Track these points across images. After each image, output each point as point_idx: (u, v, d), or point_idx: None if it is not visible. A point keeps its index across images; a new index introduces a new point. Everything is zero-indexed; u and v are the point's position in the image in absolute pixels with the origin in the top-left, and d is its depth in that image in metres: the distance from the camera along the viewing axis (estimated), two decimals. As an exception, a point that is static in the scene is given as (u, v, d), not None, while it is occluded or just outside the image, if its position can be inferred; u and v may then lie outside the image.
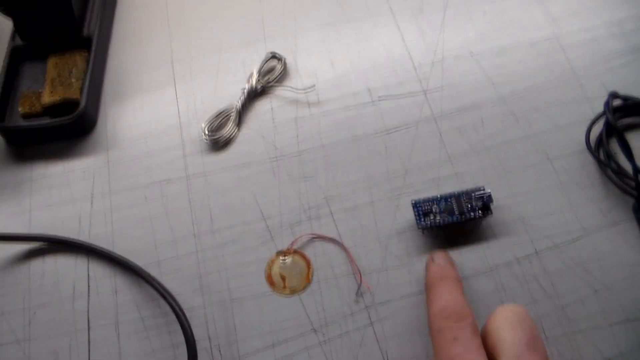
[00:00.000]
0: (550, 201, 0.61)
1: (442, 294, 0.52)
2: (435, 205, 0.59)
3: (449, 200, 0.59)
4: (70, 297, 0.61)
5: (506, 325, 0.46)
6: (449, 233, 0.60)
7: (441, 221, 0.58)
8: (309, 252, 0.61)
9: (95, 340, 0.58)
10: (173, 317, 0.57)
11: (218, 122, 0.68)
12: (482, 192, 0.59)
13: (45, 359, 0.58)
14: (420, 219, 0.59)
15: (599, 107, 0.64)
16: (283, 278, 0.59)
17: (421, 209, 0.59)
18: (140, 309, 0.60)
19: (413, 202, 0.59)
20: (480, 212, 0.58)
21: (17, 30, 0.74)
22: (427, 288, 0.55)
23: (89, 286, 0.61)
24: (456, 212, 0.58)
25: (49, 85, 0.70)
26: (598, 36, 0.71)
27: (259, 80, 0.70)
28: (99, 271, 0.62)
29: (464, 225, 0.60)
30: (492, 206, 0.59)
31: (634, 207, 0.59)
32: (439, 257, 0.56)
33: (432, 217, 0.59)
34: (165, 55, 0.76)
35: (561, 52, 0.70)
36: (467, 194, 0.59)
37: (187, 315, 0.57)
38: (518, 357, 0.44)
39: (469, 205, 0.59)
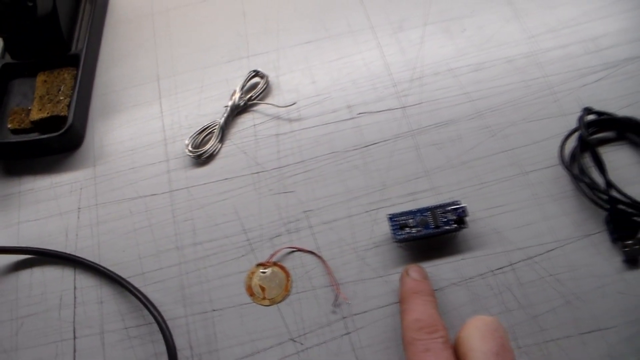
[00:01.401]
0: (524, 214, 0.62)
1: (415, 307, 0.54)
2: (411, 219, 0.60)
3: (424, 213, 0.60)
4: (57, 307, 0.62)
5: (477, 335, 0.48)
6: (425, 246, 0.61)
7: (417, 234, 0.59)
8: (288, 264, 0.62)
9: (80, 349, 0.60)
10: (156, 327, 0.58)
11: (201, 138, 0.69)
12: (456, 205, 0.60)
13: (31, 368, 0.59)
14: (396, 232, 0.60)
15: (574, 122, 0.65)
16: (263, 289, 0.61)
17: (397, 222, 0.60)
18: (124, 319, 0.61)
19: (389, 215, 0.61)
20: (455, 225, 0.59)
21: (7, 48, 0.75)
22: (401, 301, 0.56)
23: (75, 297, 0.62)
24: (431, 226, 0.60)
25: (37, 101, 0.71)
26: (574, 53, 0.72)
27: (241, 97, 0.71)
28: (85, 282, 0.63)
29: (440, 238, 0.61)
30: (467, 219, 0.60)
31: (606, 219, 0.60)
32: (414, 271, 0.58)
33: (407, 230, 0.60)
34: (151, 71, 0.77)
35: (538, 68, 0.71)
36: (442, 208, 0.60)
37: (170, 325, 0.59)
38: None
39: (444, 219, 0.60)
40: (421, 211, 0.60)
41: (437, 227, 0.59)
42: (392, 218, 0.60)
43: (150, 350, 0.59)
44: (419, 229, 0.59)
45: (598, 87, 0.69)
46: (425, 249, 0.61)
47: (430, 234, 0.60)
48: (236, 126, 0.71)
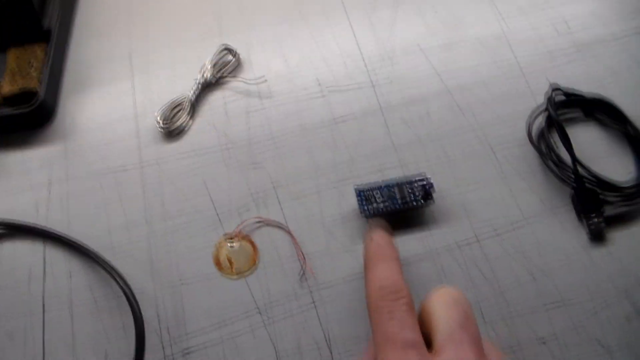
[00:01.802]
0: (492, 190, 0.63)
1: (379, 272, 0.53)
2: (377, 193, 0.61)
3: (391, 187, 0.61)
4: (27, 280, 0.62)
5: (442, 305, 0.48)
6: (392, 219, 0.61)
7: (383, 208, 0.60)
8: (255, 237, 0.62)
9: (49, 321, 0.60)
10: (124, 299, 0.59)
11: (172, 113, 0.70)
12: (423, 180, 0.61)
13: (1, 340, 0.60)
14: (363, 206, 0.60)
15: (543, 102, 0.66)
16: (230, 261, 0.61)
17: (364, 195, 0.61)
18: (93, 291, 0.61)
19: (356, 189, 0.61)
20: (422, 199, 0.60)
21: (-21, 24, 0.75)
22: (365, 266, 0.56)
23: (44, 270, 0.63)
24: (398, 200, 0.60)
25: (8, 76, 0.71)
26: (544, 34, 0.73)
27: (212, 72, 0.71)
28: (55, 255, 0.63)
29: (407, 212, 0.62)
30: (435, 194, 0.61)
31: (572, 196, 0.61)
32: (378, 236, 0.57)
33: (374, 204, 0.60)
34: (124, 48, 0.77)
35: (508, 48, 0.72)
36: (409, 182, 0.61)
37: (138, 297, 0.59)
38: (451, 334, 0.46)
39: (411, 193, 0.60)
40: (388, 185, 0.61)
41: (404, 201, 0.60)
42: (359, 192, 0.61)
43: (119, 322, 0.59)
44: (386, 203, 0.60)
45: (568, 68, 0.70)
46: (392, 222, 0.61)
47: (397, 209, 0.60)
48: (207, 102, 0.72)
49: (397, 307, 0.48)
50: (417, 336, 0.46)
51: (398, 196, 0.60)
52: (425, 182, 0.60)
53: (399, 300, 0.49)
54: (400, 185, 0.61)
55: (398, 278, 0.52)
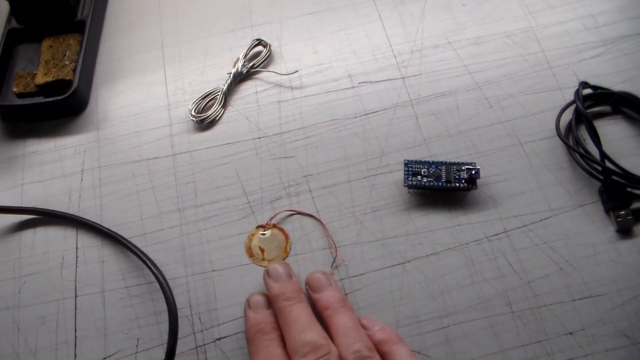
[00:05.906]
0: (520, 183, 0.63)
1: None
2: (425, 169, 0.62)
3: (439, 166, 0.62)
4: (59, 266, 0.63)
5: None
6: (428, 202, 0.63)
7: (427, 184, 0.61)
8: (287, 227, 0.63)
9: (81, 307, 0.61)
10: (156, 286, 0.59)
11: (204, 103, 0.71)
12: (472, 166, 0.61)
13: (33, 325, 0.60)
14: (408, 178, 0.61)
15: (570, 96, 0.67)
16: (262, 250, 0.62)
17: (411, 168, 0.62)
18: (125, 278, 0.62)
19: (405, 161, 0.62)
20: (465, 184, 0.61)
21: (14, 13, 0.76)
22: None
23: (77, 256, 0.63)
24: (443, 179, 0.61)
25: (43, 66, 0.72)
26: (572, 29, 0.73)
27: (244, 64, 0.72)
28: (87, 242, 0.64)
29: (441, 200, 0.63)
30: (478, 182, 0.61)
31: (600, 189, 0.62)
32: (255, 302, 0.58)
33: (419, 178, 0.61)
34: (155, 39, 0.78)
35: (536, 43, 0.72)
36: (458, 165, 0.62)
37: (170, 284, 0.59)
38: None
39: (457, 176, 0.61)
40: (436, 164, 0.62)
41: (448, 181, 0.61)
42: (408, 164, 0.62)
43: (150, 309, 0.60)
44: (430, 179, 0.61)
45: (595, 63, 0.70)
46: (425, 211, 0.62)
47: (439, 187, 0.61)
48: (239, 93, 0.72)
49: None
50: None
51: (444, 176, 0.61)
52: (472, 168, 0.61)
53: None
54: (448, 165, 0.62)
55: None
